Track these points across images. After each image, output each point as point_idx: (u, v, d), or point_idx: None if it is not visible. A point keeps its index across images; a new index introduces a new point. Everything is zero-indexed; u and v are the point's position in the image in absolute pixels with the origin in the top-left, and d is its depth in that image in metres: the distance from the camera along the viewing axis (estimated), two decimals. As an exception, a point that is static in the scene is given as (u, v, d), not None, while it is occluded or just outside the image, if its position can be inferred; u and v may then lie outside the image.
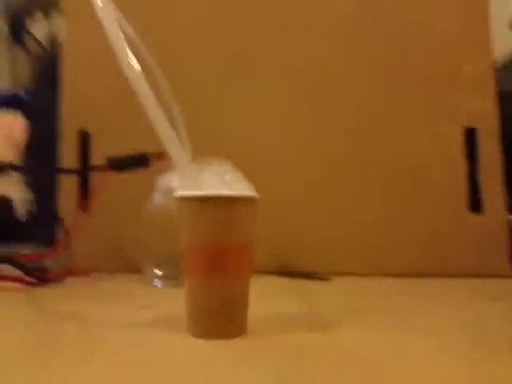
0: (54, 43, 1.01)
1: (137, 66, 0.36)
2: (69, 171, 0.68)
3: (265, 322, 0.40)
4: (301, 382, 0.27)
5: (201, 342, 0.34)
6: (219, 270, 0.34)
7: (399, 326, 0.40)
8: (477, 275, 0.67)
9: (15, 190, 1.45)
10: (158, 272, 0.60)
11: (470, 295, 0.57)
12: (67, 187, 0.70)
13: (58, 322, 0.42)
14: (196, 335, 0.34)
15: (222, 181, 0.34)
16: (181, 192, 0.35)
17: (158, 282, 0.60)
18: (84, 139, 0.74)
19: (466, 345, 0.36)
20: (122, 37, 0.37)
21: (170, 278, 0.59)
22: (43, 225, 0.88)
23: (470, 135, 0.74)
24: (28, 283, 0.57)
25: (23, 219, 1.39)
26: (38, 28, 2.10)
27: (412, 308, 0.48)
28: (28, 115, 0.99)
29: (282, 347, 0.33)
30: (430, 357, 0.31)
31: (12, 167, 0.76)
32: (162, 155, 0.62)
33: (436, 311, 0.47)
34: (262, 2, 0.75)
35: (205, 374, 0.28)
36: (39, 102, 0.95)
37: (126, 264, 0.70)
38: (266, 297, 0.51)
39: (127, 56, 0.36)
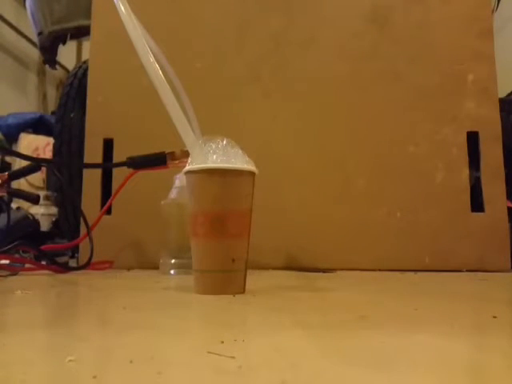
0: (80, 68, 1.08)
1: (153, 58, 0.41)
2: (93, 166, 0.74)
3: (264, 287, 0.44)
4: (289, 311, 0.31)
5: (204, 296, 0.38)
6: (220, 233, 0.38)
7: (377, 290, 0.44)
8: (479, 269, 0.70)
9: (40, 206, 1.53)
10: (173, 261, 0.65)
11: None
12: (91, 185, 0.76)
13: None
14: (200, 292, 0.39)
15: (224, 156, 0.39)
16: (188, 167, 0.40)
17: (173, 271, 0.64)
18: (107, 146, 0.80)
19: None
20: (142, 36, 0.43)
21: (183, 267, 0.63)
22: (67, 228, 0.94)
23: (473, 139, 0.77)
24: (55, 271, 0.63)
25: (47, 231, 1.47)
26: (67, 54, 2.23)
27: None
28: (53, 135, 1.05)
29: (276, 297, 0.38)
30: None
31: (44, 161, 0.82)
32: (176, 155, 0.68)
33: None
34: (275, 14, 0.81)
35: (208, 307, 0.33)
36: (64, 122, 1.02)
37: (143, 260, 0.75)
38: (269, 277, 0.55)
39: (147, 50, 0.42)
